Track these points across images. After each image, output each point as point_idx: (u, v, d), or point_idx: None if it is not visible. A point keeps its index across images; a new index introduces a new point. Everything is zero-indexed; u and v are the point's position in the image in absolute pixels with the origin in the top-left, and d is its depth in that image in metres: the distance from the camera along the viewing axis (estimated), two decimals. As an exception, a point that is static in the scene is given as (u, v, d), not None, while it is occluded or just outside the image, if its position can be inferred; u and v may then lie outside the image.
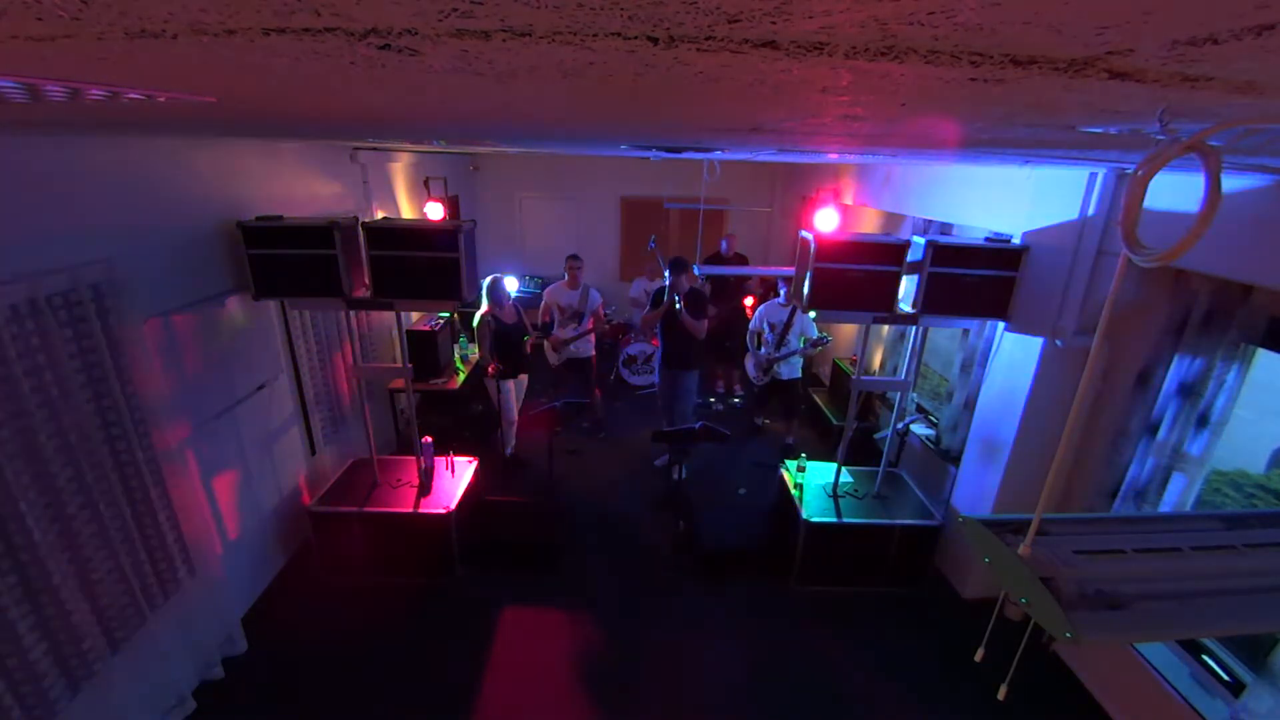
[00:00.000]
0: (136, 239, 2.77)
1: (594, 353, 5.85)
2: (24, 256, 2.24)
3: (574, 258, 5.53)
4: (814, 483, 4.16)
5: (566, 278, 5.53)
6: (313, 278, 3.26)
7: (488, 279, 4.89)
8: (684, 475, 4.72)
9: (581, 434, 5.98)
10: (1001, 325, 3.62)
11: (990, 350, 3.96)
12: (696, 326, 4.71)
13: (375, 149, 4.87)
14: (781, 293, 5.44)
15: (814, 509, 3.87)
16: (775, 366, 5.44)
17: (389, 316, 5.23)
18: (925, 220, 4.74)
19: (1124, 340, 3.16)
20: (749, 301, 6.58)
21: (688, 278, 4.72)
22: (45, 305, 2.25)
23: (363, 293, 3.41)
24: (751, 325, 5.60)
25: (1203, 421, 2.73)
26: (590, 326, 5.54)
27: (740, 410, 6.64)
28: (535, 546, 4.20)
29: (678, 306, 4.65)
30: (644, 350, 6.74)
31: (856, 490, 4.12)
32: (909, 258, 3.31)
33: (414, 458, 4.07)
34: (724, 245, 6.94)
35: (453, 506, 3.79)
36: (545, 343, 5.64)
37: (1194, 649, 2.85)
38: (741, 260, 6.96)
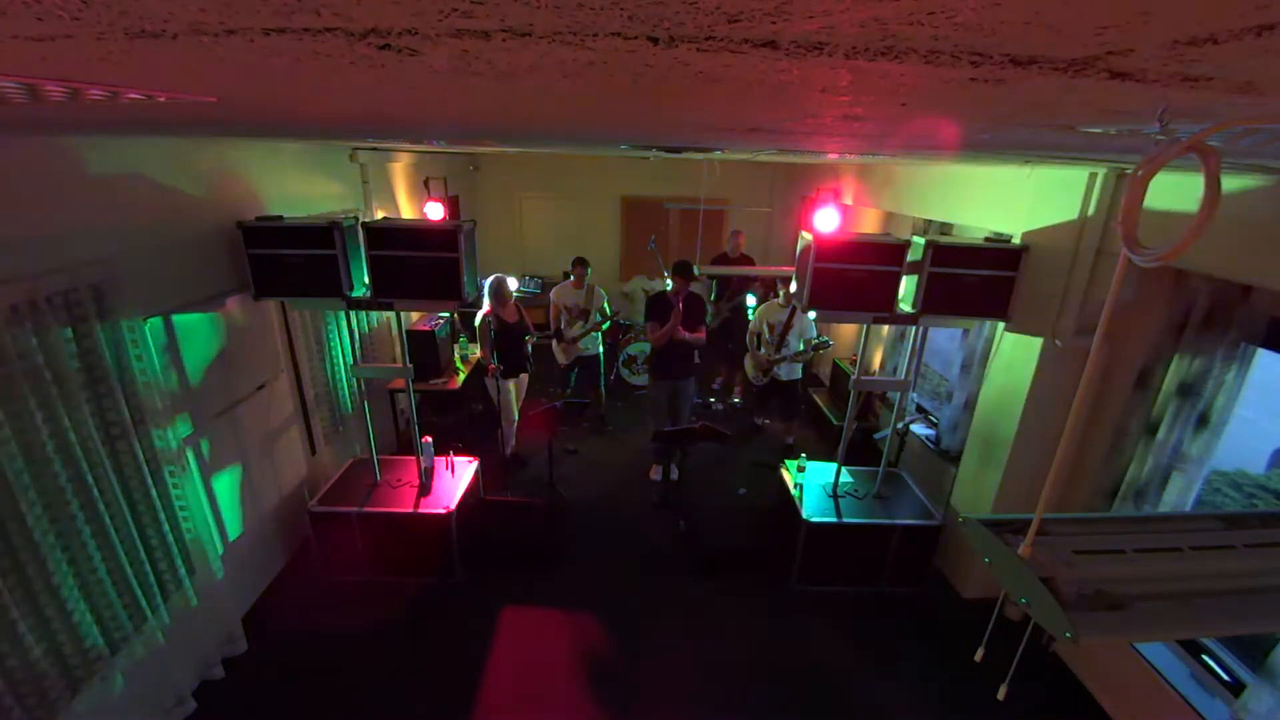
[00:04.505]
0: (136, 239, 2.77)
1: (602, 350, 5.91)
2: (24, 256, 2.24)
3: (581, 262, 5.58)
4: (814, 483, 4.16)
5: (573, 279, 5.58)
6: (313, 278, 3.26)
7: (491, 278, 4.89)
8: (678, 475, 4.72)
9: (585, 431, 5.99)
10: (1001, 325, 3.62)
11: (990, 350, 3.96)
12: (697, 340, 4.70)
13: (375, 149, 4.87)
14: (780, 293, 5.44)
15: (814, 509, 3.87)
16: (775, 367, 5.44)
17: (389, 316, 5.24)
18: (925, 220, 4.74)
19: (1124, 340, 3.16)
20: (750, 301, 6.58)
21: (689, 281, 4.69)
22: (45, 305, 2.25)
23: (363, 293, 3.41)
24: (751, 326, 5.60)
25: (1203, 421, 2.73)
26: (597, 324, 5.58)
27: (740, 410, 6.64)
28: (535, 546, 4.20)
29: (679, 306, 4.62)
30: (644, 350, 6.75)
31: (856, 490, 4.12)
32: (909, 258, 3.32)
33: (414, 458, 4.07)
34: (730, 244, 6.93)
35: (453, 506, 3.79)
36: (554, 342, 5.67)
37: (1194, 649, 2.85)
38: (748, 261, 6.95)
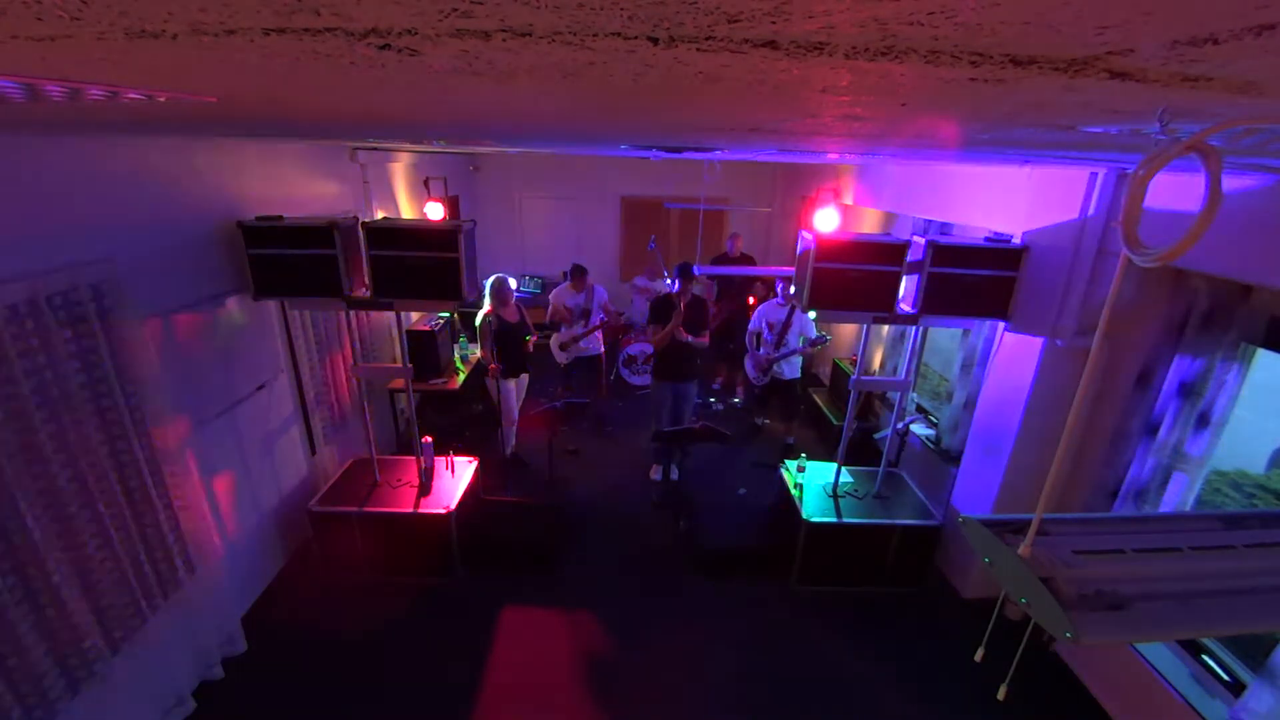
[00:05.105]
0: (136, 239, 2.77)
1: (603, 350, 5.92)
2: (24, 256, 2.24)
3: (580, 271, 5.60)
4: (814, 483, 4.16)
5: (571, 282, 5.60)
6: (313, 278, 3.26)
7: (491, 278, 4.89)
8: (678, 475, 4.72)
9: (585, 431, 5.99)
10: (1001, 325, 3.62)
11: (990, 350, 3.96)
12: (699, 343, 4.69)
13: (375, 149, 4.87)
14: (779, 292, 5.44)
15: (814, 509, 3.87)
16: (775, 366, 5.44)
17: (389, 316, 5.24)
18: (925, 220, 4.74)
19: (1124, 340, 3.16)
20: (752, 301, 6.58)
21: (691, 283, 4.68)
22: (45, 305, 2.25)
23: (363, 293, 3.41)
24: (751, 325, 5.60)
25: (1203, 421, 2.73)
26: (599, 324, 5.59)
27: (740, 410, 6.64)
28: (535, 546, 4.20)
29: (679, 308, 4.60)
30: (644, 350, 6.75)
31: (856, 490, 4.12)
32: (909, 258, 3.31)
33: (414, 458, 4.07)
34: (730, 245, 6.98)
35: (453, 506, 3.79)
36: (552, 342, 5.68)
37: (1194, 649, 2.85)
38: (748, 260, 6.98)
